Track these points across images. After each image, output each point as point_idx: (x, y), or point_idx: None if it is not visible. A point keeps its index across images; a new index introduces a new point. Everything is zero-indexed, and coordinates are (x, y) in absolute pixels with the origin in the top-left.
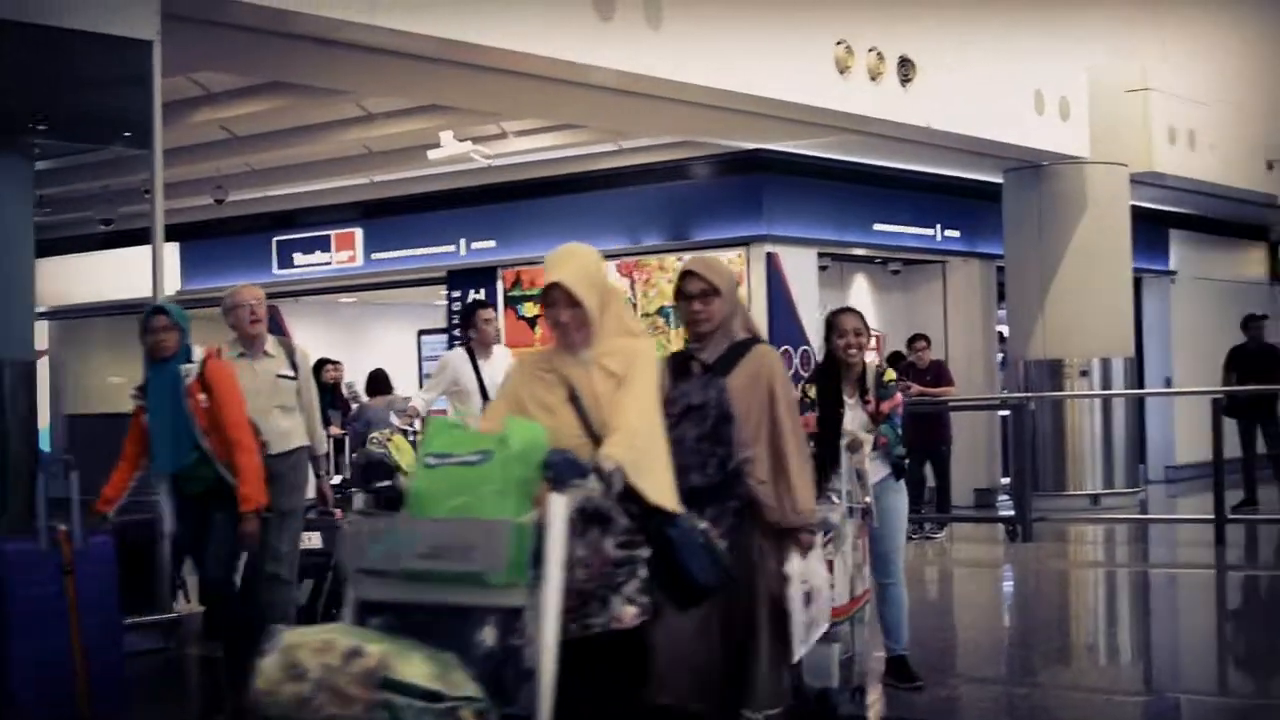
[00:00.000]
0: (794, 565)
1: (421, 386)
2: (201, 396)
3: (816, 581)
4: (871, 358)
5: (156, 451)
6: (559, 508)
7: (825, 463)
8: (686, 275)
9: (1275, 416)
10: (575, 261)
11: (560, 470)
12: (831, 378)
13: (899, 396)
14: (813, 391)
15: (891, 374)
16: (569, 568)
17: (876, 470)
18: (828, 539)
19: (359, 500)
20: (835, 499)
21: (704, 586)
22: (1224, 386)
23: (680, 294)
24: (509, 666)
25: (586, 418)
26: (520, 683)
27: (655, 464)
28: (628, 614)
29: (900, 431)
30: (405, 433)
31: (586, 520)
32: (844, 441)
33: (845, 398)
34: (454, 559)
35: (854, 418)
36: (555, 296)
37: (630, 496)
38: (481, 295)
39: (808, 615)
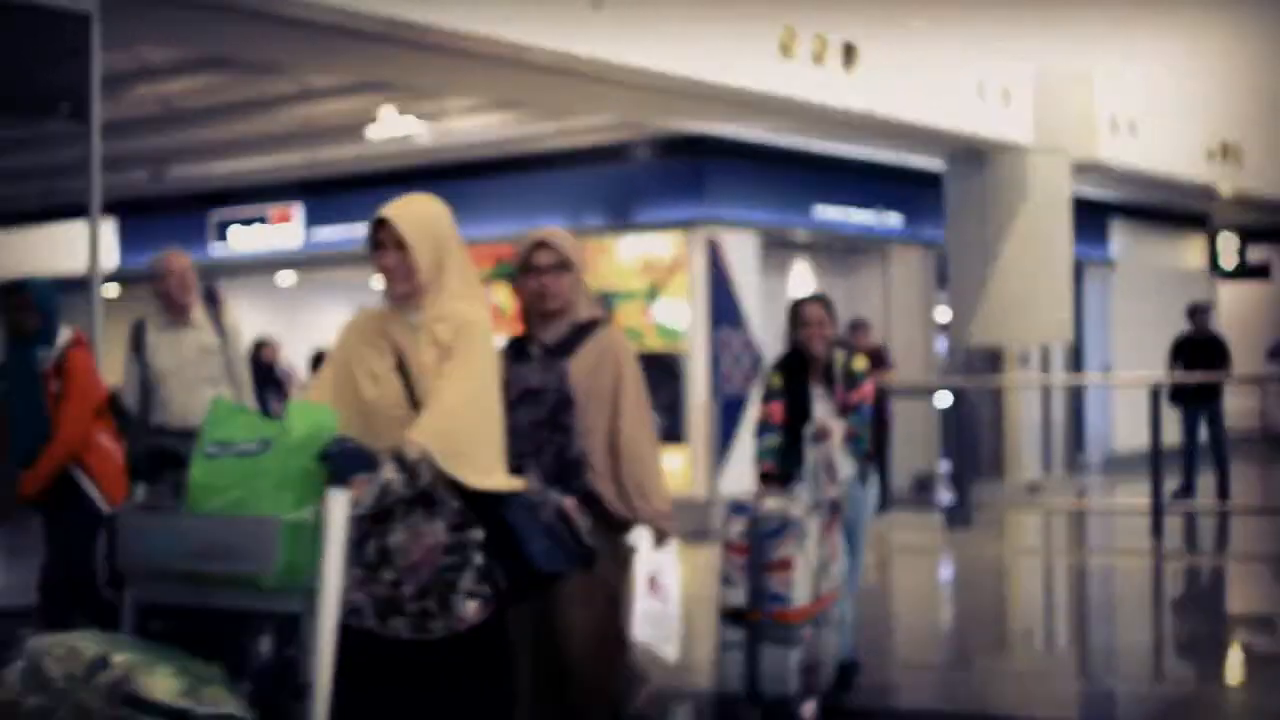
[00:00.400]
0: (642, 553)
1: None
2: (55, 384)
3: (665, 577)
4: (839, 350)
5: (14, 441)
6: (337, 505)
7: (790, 454)
8: (538, 246)
9: (1219, 405)
10: (414, 206)
11: (339, 462)
12: (797, 368)
13: (868, 387)
14: (778, 381)
15: (862, 362)
16: (378, 564)
17: (843, 463)
18: (788, 535)
19: (140, 492)
20: (799, 492)
21: (546, 571)
22: (1169, 375)
23: (528, 267)
24: (286, 680)
25: (413, 390)
26: (297, 698)
27: (477, 446)
28: (470, 610)
29: (868, 424)
30: None
31: (409, 504)
32: (809, 430)
33: (812, 388)
34: (223, 559)
35: (821, 409)
36: (382, 237)
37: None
38: None
39: (652, 605)
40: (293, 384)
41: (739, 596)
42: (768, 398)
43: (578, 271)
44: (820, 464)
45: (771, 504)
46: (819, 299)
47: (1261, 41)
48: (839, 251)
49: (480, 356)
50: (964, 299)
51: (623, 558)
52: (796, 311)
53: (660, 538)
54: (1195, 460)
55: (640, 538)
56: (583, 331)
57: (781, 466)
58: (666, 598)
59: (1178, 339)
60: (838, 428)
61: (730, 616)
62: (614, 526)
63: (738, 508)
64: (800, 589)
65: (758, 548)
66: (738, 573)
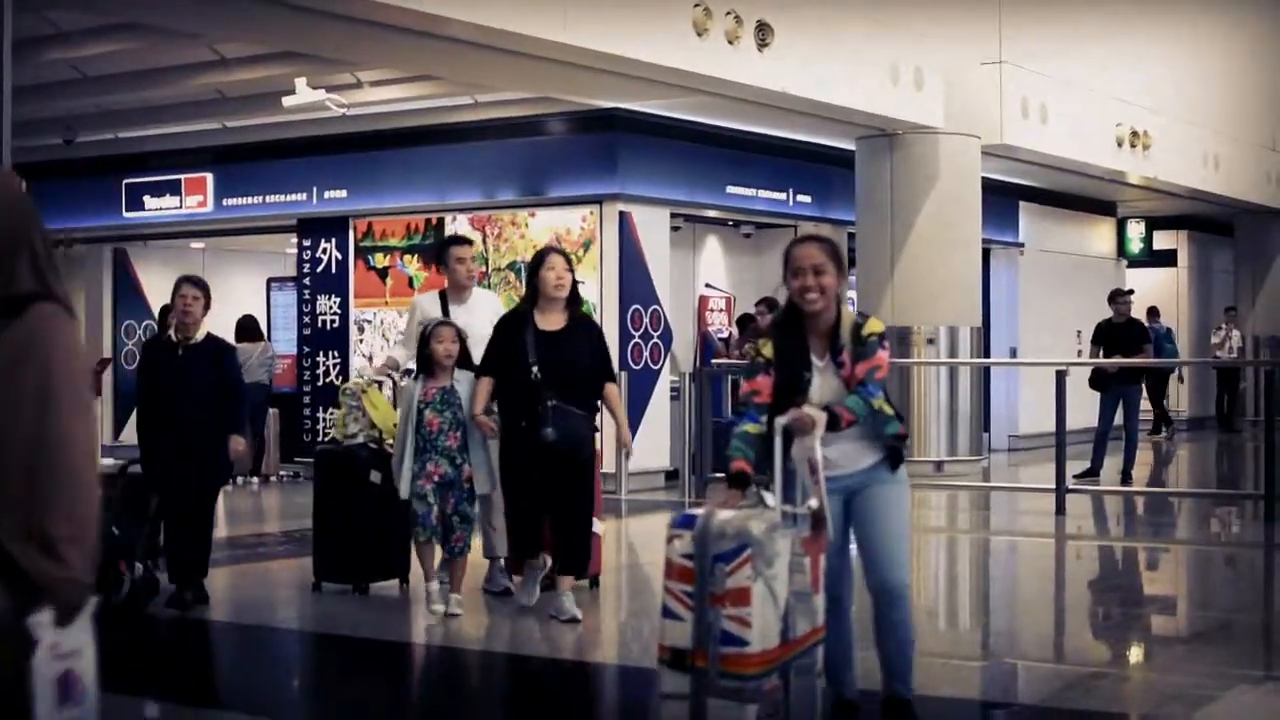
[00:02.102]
0: (46, 633)
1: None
2: None
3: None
4: (847, 309)
5: None
6: None
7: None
8: None
9: (1138, 390)
10: None
11: None
12: (794, 332)
13: (881, 355)
14: (768, 349)
15: (877, 326)
16: None
17: (861, 454)
18: (744, 558)
19: None
20: (768, 501)
21: None
22: (1091, 359)
23: None
24: None
25: None
26: None
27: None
28: None
29: (887, 403)
30: (380, 384)
31: None
32: (782, 420)
33: (814, 358)
34: None
35: (824, 384)
36: None
37: None
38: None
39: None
40: None
41: (683, 634)
42: (752, 370)
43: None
44: (801, 462)
45: (726, 516)
46: (818, 239)
47: (1171, 34)
48: (750, 229)
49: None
50: (872, 280)
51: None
52: (788, 256)
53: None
54: (1105, 444)
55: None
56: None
57: (759, 460)
58: (80, 698)
59: (1099, 325)
60: (821, 416)
61: (671, 659)
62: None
63: (683, 519)
64: (761, 628)
65: (706, 573)
66: (680, 604)
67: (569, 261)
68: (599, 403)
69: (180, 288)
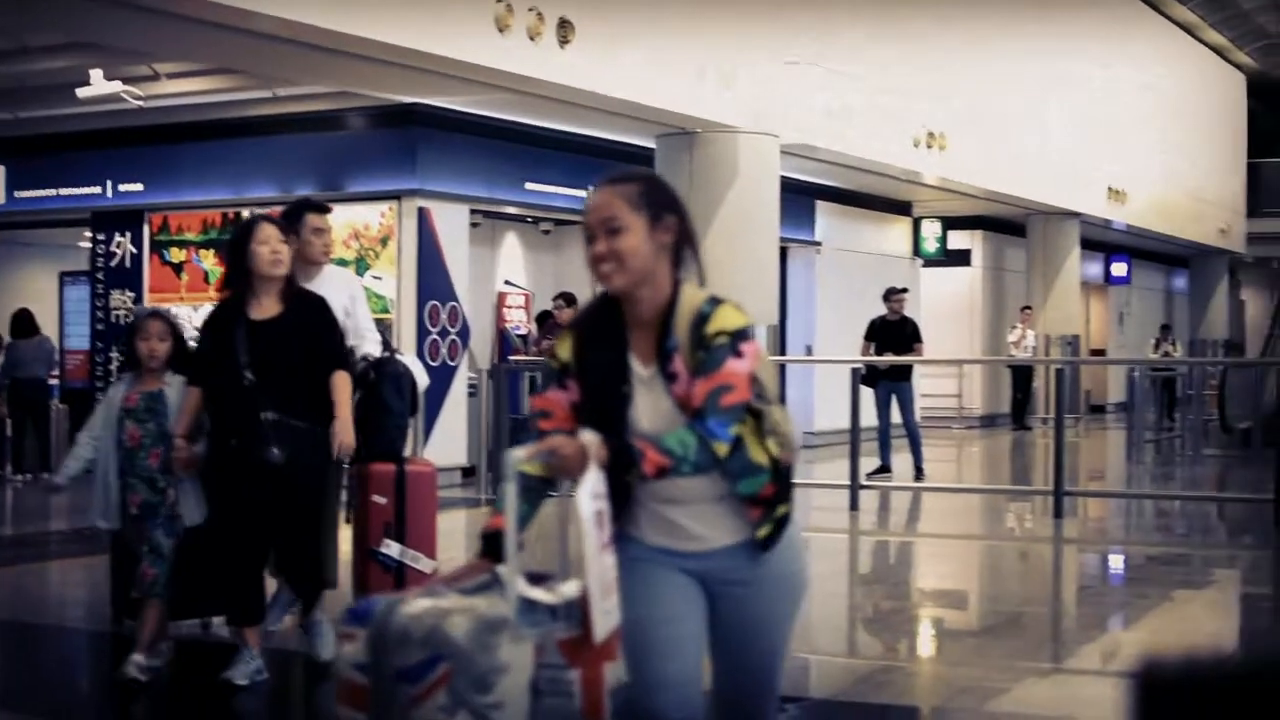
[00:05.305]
0: None
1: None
2: None
3: None
4: (694, 290)
5: None
6: None
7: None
8: None
9: (908, 386)
10: None
11: None
12: (608, 328)
13: (733, 368)
14: (565, 351)
15: (731, 318)
16: None
17: (723, 521)
18: (438, 676)
19: None
20: (504, 579)
21: None
22: (863, 356)
23: None
24: None
25: None
26: None
27: None
28: None
29: (757, 442)
30: None
31: None
32: (519, 453)
33: (635, 365)
34: None
35: (651, 406)
36: None
37: None
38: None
39: None
40: None
41: None
42: (545, 380)
43: None
44: (580, 520)
45: (419, 607)
46: (625, 179)
47: (966, 37)
48: (549, 226)
49: None
50: None
51: None
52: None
53: None
54: (889, 439)
55: None
56: None
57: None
58: None
59: (872, 322)
60: (592, 450)
61: None
62: None
63: (359, 610)
64: None
65: (384, 697)
66: None
67: (284, 232)
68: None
69: None
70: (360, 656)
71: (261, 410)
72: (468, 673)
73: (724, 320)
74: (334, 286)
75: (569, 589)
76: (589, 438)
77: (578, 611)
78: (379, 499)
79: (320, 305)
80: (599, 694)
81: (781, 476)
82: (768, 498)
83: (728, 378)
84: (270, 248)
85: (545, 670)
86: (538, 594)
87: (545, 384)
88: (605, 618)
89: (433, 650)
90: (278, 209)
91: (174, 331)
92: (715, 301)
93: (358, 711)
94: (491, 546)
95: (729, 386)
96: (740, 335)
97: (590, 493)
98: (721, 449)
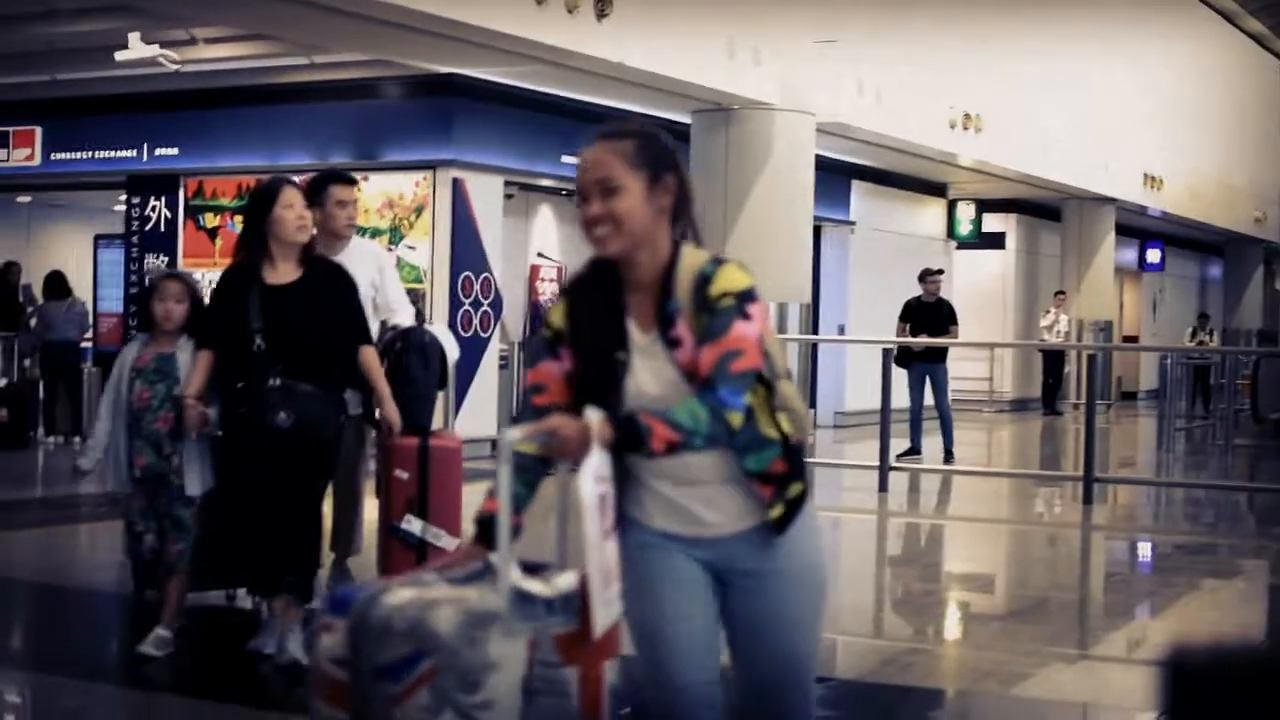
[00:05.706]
0: None
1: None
2: None
3: None
4: (693, 250)
5: None
6: None
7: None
8: None
9: (943, 369)
10: None
11: None
12: (603, 292)
13: (741, 330)
14: (558, 318)
15: (735, 279)
16: None
17: (737, 505)
18: (420, 674)
19: None
20: (497, 567)
21: None
22: (897, 337)
23: None
24: None
25: None
26: None
27: None
28: None
29: (768, 415)
30: None
31: None
32: (515, 434)
33: (633, 331)
34: None
35: (650, 374)
36: None
37: None
38: (167, 201)
39: None
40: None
41: None
42: (537, 351)
43: None
44: (581, 507)
45: (401, 598)
46: (617, 134)
47: (1005, 20)
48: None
49: None
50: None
51: None
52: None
53: None
54: (920, 422)
55: None
56: None
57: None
58: None
59: (907, 303)
60: (596, 429)
61: None
62: None
63: (339, 596)
64: None
65: (364, 694)
66: None
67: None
68: (352, 374)
69: None
70: (339, 649)
71: (270, 377)
72: (453, 670)
73: (728, 281)
74: (360, 260)
75: (566, 581)
76: (592, 416)
77: (576, 605)
78: (401, 474)
79: (338, 271)
80: (598, 694)
81: (792, 453)
82: (778, 474)
83: (736, 342)
84: (296, 212)
85: (540, 668)
86: (533, 585)
87: (538, 355)
88: (606, 608)
89: (416, 645)
90: (309, 176)
91: (192, 294)
92: (717, 261)
93: (337, 709)
94: (485, 532)
95: (738, 352)
96: (746, 296)
97: (593, 475)
98: (736, 419)
